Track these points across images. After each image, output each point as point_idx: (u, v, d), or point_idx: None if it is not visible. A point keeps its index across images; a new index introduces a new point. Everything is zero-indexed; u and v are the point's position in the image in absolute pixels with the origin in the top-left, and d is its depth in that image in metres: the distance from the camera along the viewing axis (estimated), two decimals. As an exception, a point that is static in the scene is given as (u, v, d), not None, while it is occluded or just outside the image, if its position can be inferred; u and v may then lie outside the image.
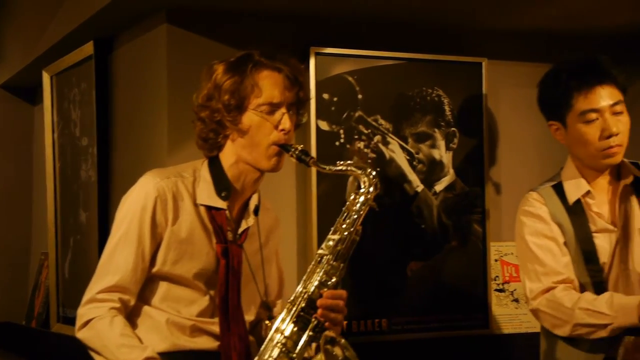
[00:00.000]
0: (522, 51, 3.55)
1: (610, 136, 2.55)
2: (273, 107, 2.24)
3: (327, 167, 2.29)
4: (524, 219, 2.65)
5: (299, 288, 2.24)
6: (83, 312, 2.24)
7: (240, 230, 2.35)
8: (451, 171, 3.32)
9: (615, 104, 2.56)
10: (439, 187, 3.30)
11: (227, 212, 2.30)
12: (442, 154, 3.32)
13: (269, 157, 2.23)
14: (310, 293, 2.21)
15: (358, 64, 3.20)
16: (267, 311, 2.44)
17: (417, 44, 3.32)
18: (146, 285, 2.28)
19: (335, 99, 3.15)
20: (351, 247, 2.27)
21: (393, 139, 3.24)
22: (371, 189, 2.27)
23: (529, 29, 3.45)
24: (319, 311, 2.16)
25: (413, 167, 3.25)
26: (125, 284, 2.23)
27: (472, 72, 3.37)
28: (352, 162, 2.31)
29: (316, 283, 2.23)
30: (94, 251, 3.30)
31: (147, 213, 2.24)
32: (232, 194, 2.33)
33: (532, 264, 2.63)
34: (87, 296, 2.25)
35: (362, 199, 2.28)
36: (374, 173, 2.28)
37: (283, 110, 2.24)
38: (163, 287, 2.29)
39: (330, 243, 2.24)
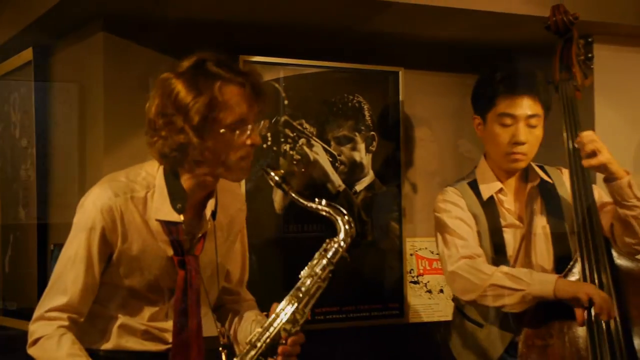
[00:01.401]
0: (435, 62, 3.61)
1: (517, 144, 2.66)
2: (242, 124, 2.14)
3: (306, 203, 2.18)
4: (444, 205, 2.76)
5: (260, 330, 2.17)
6: (33, 330, 2.19)
7: (196, 238, 2.27)
8: (370, 172, 3.37)
9: (532, 116, 2.68)
10: (359, 186, 3.36)
11: (182, 224, 2.20)
12: (362, 156, 3.36)
13: (237, 170, 2.18)
14: (272, 338, 2.14)
15: (284, 71, 3.22)
16: (223, 338, 2.35)
17: (339, 53, 3.37)
18: (100, 291, 2.22)
19: (263, 104, 3.19)
20: (318, 294, 2.19)
21: (317, 142, 3.26)
22: (348, 239, 2.18)
23: (443, 41, 3.50)
24: (279, 358, 2.12)
25: (335, 168, 3.29)
26: (74, 304, 2.17)
27: (389, 80, 3.44)
28: (329, 204, 2.21)
29: (280, 328, 2.17)
30: (33, 248, 3.31)
31: (96, 234, 2.16)
32: (188, 203, 2.24)
33: (452, 237, 2.70)
34: (37, 313, 2.19)
35: (336, 246, 2.20)
36: (351, 222, 2.18)
37: (251, 125, 2.15)
38: (116, 294, 2.23)
39: (300, 294, 2.16)
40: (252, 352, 2.12)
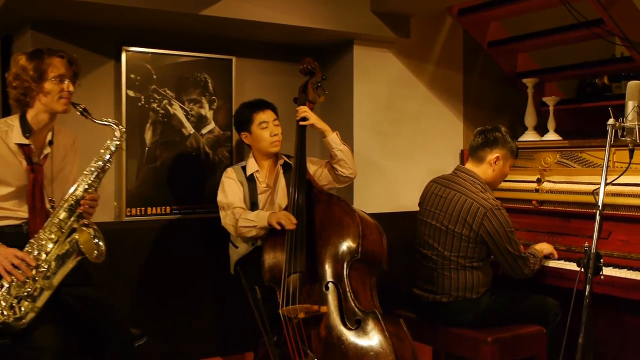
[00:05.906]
0: (259, 53, 4.22)
1: (275, 135, 3.51)
2: (61, 78, 2.65)
3: (98, 120, 2.69)
4: (225, 178, 3.56)
5: (71, 191, 2.65)
6: None
7: (42, 156, 2.75)
8: (212, 122, 4.02)
9: (275, 119, 3.53)
10: (204, 130, 4.01)
11: (31, 145, 2.68)
12: (206, 112, 3.98)
13: (60, 105, 2.67)
14: (77, 196, 2.68)
15: (154, 57, 3.79)
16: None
17: (195, 46, 3.96)
18: None
19: (139, 77, 3.77)
20: (105, 171, 2.72)
21: (176, 102, 3.88)
22: (122, 139, 2.72)
23: (265, 39, 4.12)
24: (82, 207, 2.65)
25: (188, 119, 3.94)
26: None
27: (226, 64, 4.06)
28: (112, 120, 2.72)
29: (83, 189, 2.68)
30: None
31: None
32: (34, 134, 2.70)
33: (223, 196, 3.50)
34: None
35: (116, 143, 2.72)
36: (123, 129, 2.74)
37: (67, 80, 2.68)
38: None
39: (92, 169, 2.67)
40: (65, 204, 2.65)
